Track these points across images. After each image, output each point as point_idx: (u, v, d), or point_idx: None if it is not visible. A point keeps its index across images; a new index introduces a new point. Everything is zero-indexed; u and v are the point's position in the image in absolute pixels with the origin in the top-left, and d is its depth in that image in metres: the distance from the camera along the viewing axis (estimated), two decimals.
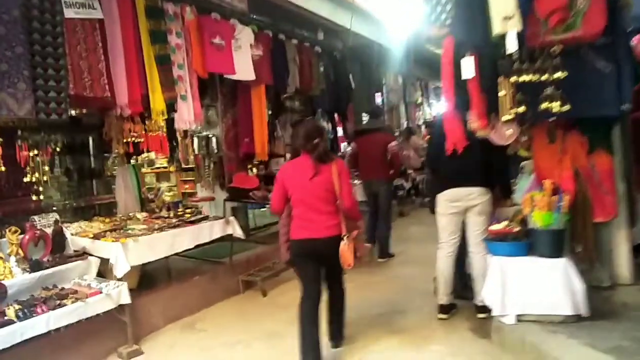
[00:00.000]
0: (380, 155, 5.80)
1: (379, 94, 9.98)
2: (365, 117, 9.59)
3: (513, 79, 2.85)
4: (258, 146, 6.02)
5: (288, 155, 7.29)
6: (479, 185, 3.71)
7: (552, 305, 3.06)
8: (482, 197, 3.71)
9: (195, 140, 6.26)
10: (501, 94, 2.80)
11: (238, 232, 4.79)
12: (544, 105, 2.83)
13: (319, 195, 3.10)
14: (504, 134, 2.99)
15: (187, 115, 4.86)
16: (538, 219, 3.07)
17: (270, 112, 6.84)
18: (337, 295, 3.43)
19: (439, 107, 13.19)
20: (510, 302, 3.19)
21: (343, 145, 9.06)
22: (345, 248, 3.07)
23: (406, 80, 11.09)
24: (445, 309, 3.97)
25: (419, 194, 10.43)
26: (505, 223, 3.50)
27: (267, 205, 6.07)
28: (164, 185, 8.43)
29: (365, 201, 5.96)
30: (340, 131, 8.72)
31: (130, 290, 3.75)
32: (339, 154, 9.14)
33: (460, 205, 3.77)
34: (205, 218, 4.70)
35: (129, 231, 4.13)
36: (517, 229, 3.32)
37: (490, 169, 3.72)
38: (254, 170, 7.68)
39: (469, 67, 3.00)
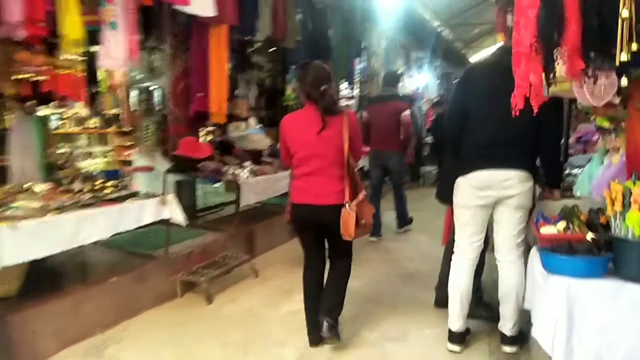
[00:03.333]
0: (392, 125, 5.34)
1: (359, 59, 8.77)
2: (343, 85, 8.45)
3: None
4: (214, 104, 4.67)
5: (251, 120, 6.02)
6: (520, 167, 2.60)
7: None
8: (523, 184, 2.61)
9: (133, 92, 4.89)
10: (625, 15, 1.62)
11: (177, 217, 3.52)
12: None
13: (325, 153, 2.71)
14: (606, 88, 1.83)
15: (116, 50, 3.48)
16: (635, 222, 1.96)
17: (232, 65, 5.52)
18: (340, 272, 2.96)
19: (420, 79, 12.09)
20: (581, 347, 2.10)
21: None
22: (347, 215, 2.65)
23: (389, 45, 9.88)
24: (458, 337, 2.88)
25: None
26: (562, 224, 2.40)
27: (220, 182, 4.79)
28: (97, 149, 6.98)
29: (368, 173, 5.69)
30: None
31: (3, 300, 2.48)
32: None
33: (491, 194, 2.65)
34: (133, 195, 3.39)
35: (10, 211, 2.78)
36: (589, 235, 2.21)
37: (539, 143, 2.61)
38: (208, 135, 6.41)
39: None
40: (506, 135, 2.58)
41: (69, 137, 7.09)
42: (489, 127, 2.61)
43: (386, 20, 8.93)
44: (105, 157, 7.11)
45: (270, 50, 6.82)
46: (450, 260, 3.41)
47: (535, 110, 1.91)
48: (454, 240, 3.39)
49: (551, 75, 1.80)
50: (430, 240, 5.31)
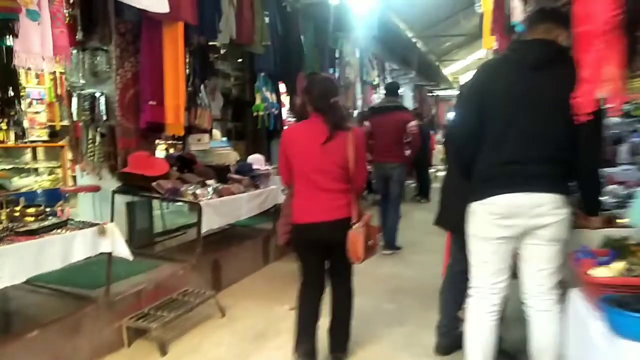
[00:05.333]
0: (397, 136, 5.25)
1: (332, 69, 8.26)
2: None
3: None
4: (170, 114, 4.04)
5: (215, 131, 5.39)
6: (555, 190, 2.05)
7: None
8: (559, 211, 2.06)
9: (75, 100, 4.19)
10: None
11: (120, 250, 2.83)
12: None
13: (328, 168, 2.58)
14: None
15: (37, 46, 2.82)
16: None
17: (192, 70, 4.89)
18: (343, 297, 2.80)
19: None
20: None
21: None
22: (356, 236, 2.54)
23: (363, 55, 9.42)
24: None
25: (370, 190, 8.96)
26: (620, 265, 1.86)
27: (181, 202, 4.12)
28: (42, 165, 6.19)
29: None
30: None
31: None
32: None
33: (518, 224, 2.09)
34: (62, 225, 2.70)
35: None
36: None
37: (576, 159, 2.08)
38: (168, 149, 5.76)
39: None
40: (537, 150, 2.04)
41: (11, 152, 6.30)
42: (514, 139, 2.06)
43: (360, 29, 8.49)
44: (52, 174, 6.31)
45: (238, 59, 6.29)
46: (452, 297, 2.88)
47: (617, 113, 1.36)
48: (458, 273, 2.85)
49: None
50: (422, 266, 4.77)
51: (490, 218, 2.12)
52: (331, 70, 8.11)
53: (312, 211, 2.60)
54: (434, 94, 18.34)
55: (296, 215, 2.67)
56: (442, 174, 12.62)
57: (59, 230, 2.62)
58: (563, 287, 2.20)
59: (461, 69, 19.08)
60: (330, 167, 2.57)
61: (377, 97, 10.46)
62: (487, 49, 5.65)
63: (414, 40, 11.64)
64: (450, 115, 18.97)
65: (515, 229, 2.10)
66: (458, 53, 16.39)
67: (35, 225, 2.56)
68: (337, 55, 8.29)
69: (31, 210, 2.74)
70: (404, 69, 12.69)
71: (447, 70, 18.46)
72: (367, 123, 5.59)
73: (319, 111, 2.61)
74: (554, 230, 2.07)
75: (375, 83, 10.27)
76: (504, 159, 2.09)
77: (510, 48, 2.24)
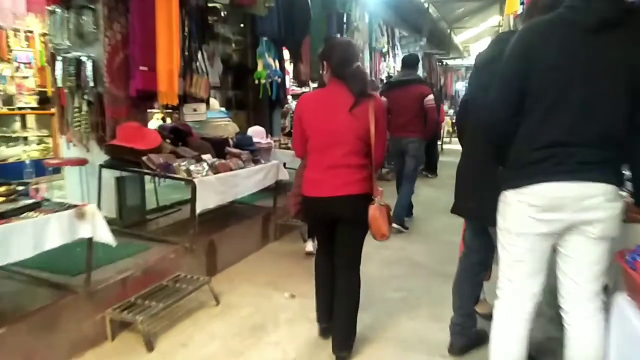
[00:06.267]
0: (415, 110, 5.11)
1: (339, 35, 7.81)
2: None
3: None
4: (162, 81, 3.70)
5: (213, 101, 5.03)
6: (608, 179, 1.73)
7: None
8: (612, 204, 1.74)
9: (59, 64, 3.83)
10: None
11: (102, 235, 2.54)
12: None
13: (347, 139, 2.41)
14: None
15: (7, 1, 2.47)
16: None
17: (188, 33, 4.50)
18: (349, 288, 2.58)
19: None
20: None
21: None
22: (377, 213, 2.41)
23: (373, 21, 8.93)
24: None
25: None
26: None
27: (173, 178, 3.80)
28: (32, 134, 5.87)
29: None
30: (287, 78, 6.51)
31: None
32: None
33: (562, 218, 1.76)
34: (35, 207, 2.39)
35: None
36: None
37: (634, 140, 1.74)
38: (165, 119, 5.43)
39: None
40: (591, 130, 1.69)
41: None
42: (565, 116, 1.71)
43: None
44: (42, 143, 6.01)
45: (240, 23, 5.87)
46: (467, 290, 2.62)
47: None
48: (474, 264, 2.58)
49: None
50: (430, 248, 4.51)
51: (529, 210, 1.80)
52: (338, 36, 7.69)
53: (324, 185, 2.48)
54: (443, 63, 17.71)
55: (307, 188, 2.57)
56: (448, 146, 12.38)
57: (31, 213, 2.32)
58: (607, 292, 1.91)
59: (473, 37, 18.41)
60: (349, 139, 2.41)
61: (386, 65, 10.02)
62: (509, 14, 5.21)
63: (425, 5, 11.07)
64: (460, 85, 18.49)
65: (558, 224, 1.78)
66: (470, 20, 15.75)
67: (2, 208, 2.26)
68: (345, 20, 7.84)
69: (0, 189, 2.43)
70: (414, 36, 12.17)
71: (458, 39, 17.80)
72: (383, 98, 5.27)
73: (339, 77, 2.45)
74: (605, 227, 1.75)
75: (384, 50, 9.79)
76: (550, 141, 1.74)
77: (568, 6, 1.81)
